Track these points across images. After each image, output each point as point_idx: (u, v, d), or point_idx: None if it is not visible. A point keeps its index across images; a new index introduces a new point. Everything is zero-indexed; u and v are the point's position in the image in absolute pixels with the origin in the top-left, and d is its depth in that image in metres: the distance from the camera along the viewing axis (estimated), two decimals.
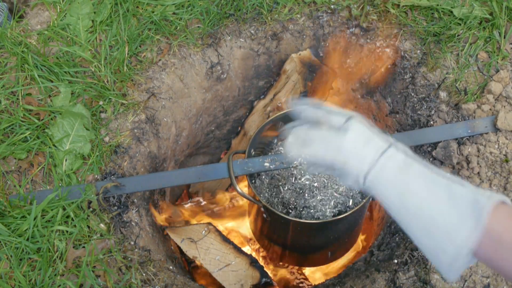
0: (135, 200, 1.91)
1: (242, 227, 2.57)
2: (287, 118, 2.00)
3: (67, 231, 1.69)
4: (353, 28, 2.26)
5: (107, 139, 1.94)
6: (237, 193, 1.86)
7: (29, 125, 1.87)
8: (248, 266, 1.99)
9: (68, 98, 1.95)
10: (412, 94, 2.13)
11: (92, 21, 2.14)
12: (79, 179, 1.82)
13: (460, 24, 2.13)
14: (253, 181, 1.99)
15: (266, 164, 1.85)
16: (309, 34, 2.32)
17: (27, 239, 1.64)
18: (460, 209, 0.93)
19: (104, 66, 2.03)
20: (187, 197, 2.75)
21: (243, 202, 2.59)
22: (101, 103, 1.98)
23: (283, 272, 2.41)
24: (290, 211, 1.89)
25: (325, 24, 2.30)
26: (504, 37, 2.07)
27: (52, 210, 1.70)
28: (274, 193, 1.95)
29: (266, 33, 2.30)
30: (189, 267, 2.19)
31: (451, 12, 2.15)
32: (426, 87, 2.09)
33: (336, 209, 1.87)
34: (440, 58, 2.10)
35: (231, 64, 2.33)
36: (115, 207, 1.82)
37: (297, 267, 2.40)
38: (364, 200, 1.81)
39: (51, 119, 1.91)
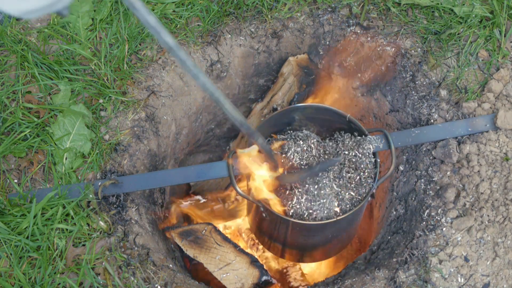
0: (135, 199, 1.91)
1: (243, 228, 2.58)
2: (282, 118, 1.99)
3: (67, 229, 1.69)
4: (353, 27, 2.26)
5: (107, 137, 1.93)
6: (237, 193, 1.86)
7: (29, 123, 1.87)
8: (248, 265, 1.99)
9: (68, 96, 1.95)
10: (413, 92, 2.12)
11: (92, 19, 2.13)
12: (79, 178, 1.82)
13: (460, 23, 2.13)
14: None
15: (266, 163, 1.85)
16: (309, 32, 2.32)
17: (27, 237, 1.64)
18: None
19: (104, 64, 2.03)
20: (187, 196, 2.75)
21: (243, 201, 2.59)
22: (101, 101, 1.98)
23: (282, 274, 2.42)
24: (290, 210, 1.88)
25: (325, 23, 2.30)
26: (505, 36, 2.07)
27: (51, 208, 1.70)
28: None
29: (266, 31, 2.29)
30: (190, 264, 2.19)
31: (452, 10, 2.15)
32: (426, 85, 2.09)
33: (336, 209, 1.86)
34: (440, 56, 2.10)
35: (231, 62, 2.32)
36: (115, 206, 1.82)
37: (297, 271, 2.41)
38: (362, 203, 1.81)
39: (51, 117, 1.91)
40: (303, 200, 1.81)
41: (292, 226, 1.87)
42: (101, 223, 1.75)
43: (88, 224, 1.73)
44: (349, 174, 1.84)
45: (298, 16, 2.29)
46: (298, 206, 1.81)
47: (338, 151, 1.88)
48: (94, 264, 1.66)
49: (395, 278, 1.73)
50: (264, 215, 1.88)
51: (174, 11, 2.20)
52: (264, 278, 1.97)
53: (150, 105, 2.08)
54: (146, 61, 2.12)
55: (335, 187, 1.83)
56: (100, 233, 1.73)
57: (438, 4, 2.16)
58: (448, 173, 1.89)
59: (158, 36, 1.06)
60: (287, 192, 1.85)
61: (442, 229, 1.77)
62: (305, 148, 1.90)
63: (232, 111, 1.33)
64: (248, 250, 2.45)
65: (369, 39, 2.24)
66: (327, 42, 2.34)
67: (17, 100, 1.92)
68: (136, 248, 1.76)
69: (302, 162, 1.87)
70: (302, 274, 2.44)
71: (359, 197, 1.83)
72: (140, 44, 2.14)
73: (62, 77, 1.98)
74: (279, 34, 2.31)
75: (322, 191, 1.82)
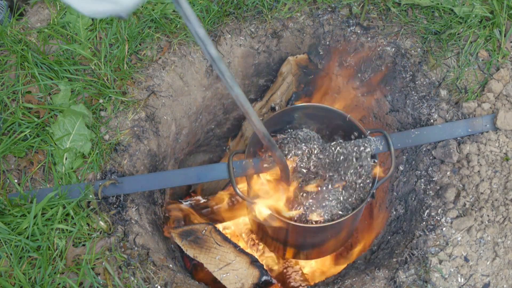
0: (135, 199, 1.91)
1: (243, 228, 2.57)
2: (283, 117, 1.99)
3: (67, 229, 1.69)
4: (353, 27, 2.26)
5: (107, 137, 1.93)
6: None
7: (29, 123, 1.87)
8: (248, 265, 1.99)
9: (68, 96, 1.95)
10: (413, 92, 2.12)
11: (92, 19, 2.13)
12: (79, 178, 1.82)
13: (460, 23, 2.13)
14: None
15: (266, 165, 1.85)
16: (309, 32, 2.32)
17: (27, 237, 1.64)
18: None
19: (104, 64, 2.03)
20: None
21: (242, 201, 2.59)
22: (101, 101, 1.98)
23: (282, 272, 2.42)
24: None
25: (325, 23, 2.29)
26: (505, 36, 2.06)
27: (52, 208, 1.70)
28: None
29: (266, 31, 2.29)
30: (190, 264, 2.18)
31: (452, 10, 2.15)
32: (426, 85, 2.09)
33: (338, 211, 1.86)
34: (440, 56, 2.10)
35: (231, 62, 2.32)
36: (115, 206, 1.82)
37: (297, 271, 2.41)
38: (361, 205, 1.81)
39: (51, 117, 1.91)
40: (307, 205, 1.82)
41: (293, 228, 1.87)
42: (101, 223, 1.75)
43: (88, 224, 1.73)
44: (349, 176, 1.84)
45: (298, 16, 2.29)
46: (302, 212, 1.82)
47: (338, 153, 1.88)
48: (94, 264, 1.66)
49: (395, 278, 1.73)
50: None
51: (174, 11, 2.20)
52: (264, 278, 1.97)
53: (150, 105, 2.08)
54: (146, 61, 2.12)
55: (336, 189, 1.84)
56: (100, 233, 1.73)
57: (438, 4, 2.16)
58: (448, 173, 1.89)
59: (204, 48, 1.14)
60: (291, 198, 1.86)
61: (442, 229, 1.77)
62: (306, 151, 1.91)
63: (258, 123, 1.42)
64: (248, 250, 2.45)
65: (369, 39, 2.24)
66: (327, 42, 2.34)
67: (17, 100, 1.92)
68: (136, 248, 1.76)
69: (302, 165, 1.87)
70: (302, 274, 2.44)
71: (359, 198, 1.84)
72: (140, 44, 2.14)
73: (62, 77, 1.98)
74: (279, 34, 2.31)
75: (325, 195, 1.82)
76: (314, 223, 1.81)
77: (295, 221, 1.82)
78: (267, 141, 1.50)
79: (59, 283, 1.59)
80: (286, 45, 2.36)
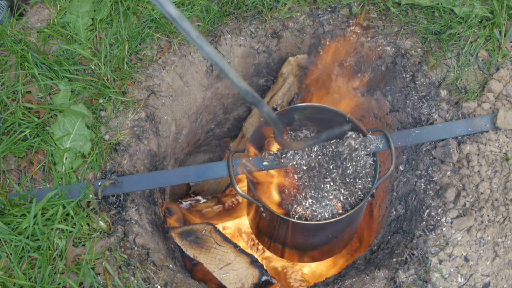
0: (135, 199, 1.91)
1: (243, 228, 2.58)
2: (282, 118, 1.99)
3: (67, 229, 1.69)
4: (353, 27, 2.26)
5: (107, 137, 1.93)
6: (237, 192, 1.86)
7: (29, 123, 1.87)
8: (248, 265, 1.99)
9: (68, 96, 1.95)
10: (413, 92, 2.12)
11: (92, 19, 2.13)
12: (79, 178, 1.82)
13: (460, 23, 2.13)
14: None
15: (266, 163, 1.85)
16: (309, 32, 2.32)
17: (27, 237, 1.64)
18: None
19: (104, 64, 2.03)
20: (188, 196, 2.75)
21: (243, 200, 2.59)
22: (101, 101, 1.98)
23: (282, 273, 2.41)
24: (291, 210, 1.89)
25: (325, 23, 2.30)
26: (505, 36, 2.07)
27: (52, 208, 1.70)
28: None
29: (266, 31, 2.30)
30: (190, 264, 2.18)
31: (452, 10, 2.15)
32: (426, 85, 2.09)
33: (335, 210, 1.86)
34: (440, 56, 2.10)
35: (231, 62, 2.32)
36: (115, 206, 1.82)
37: (297, 271, 2.41)
38: (361, 203, 1.81)
39: (51, 117, 1.91)
40: (307, 203, 1.82)
41: (292, 226, 1.87)
42: (101, 223, 1.75)
43: (88, 224, 1.73)
44: (349, 174, 1.84)
45: (298, 16, 2.29)
46: (303, 211, 1.81)
47: (337, 151, 1.88)
48: (94, 264, 1.66)
49: (395, 278, 1.73)
50: (264, 215, 1.88)
51: None
52: (264, 278, 1.97)
53: (150, 105, 2.08)
54: (146, 61, 2.12)
55: (337, 188, 1.83)
56: (100, 233, 1.73)
57: (438, 4, 2.16)
58: (448, 173, 1.89)
59: (161, 8, 1.07)
60: (292, 196, 1.86)
61: (442, 229, 1.77)
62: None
63: (237, 80, 1.31)
64: (248, 250, 2.45)
65: (369, 39, 2.24)
66: (327, 42, 2.34)
67: (17, 100, 1.92)
68: (136, 248, 1.76)
69: (301, 162, 1.87)
70: (302, 274, 2.44)
71: (359, 197, 1.84)
72: (140, 44, 2.14)
73: (62, 77, 1.98)
74: (279, 34, 2.31)
75: (325, 193, 1.82)
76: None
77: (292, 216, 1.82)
78: (251, 97, 1.38)
79: (59, 283, 1.59)
80: (286, 45, 2.36)
